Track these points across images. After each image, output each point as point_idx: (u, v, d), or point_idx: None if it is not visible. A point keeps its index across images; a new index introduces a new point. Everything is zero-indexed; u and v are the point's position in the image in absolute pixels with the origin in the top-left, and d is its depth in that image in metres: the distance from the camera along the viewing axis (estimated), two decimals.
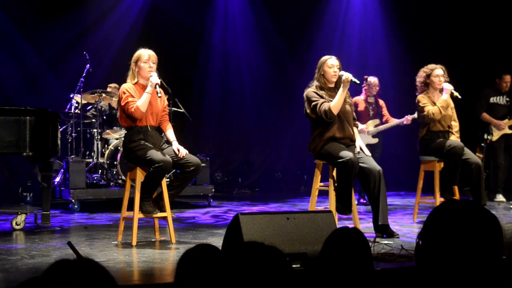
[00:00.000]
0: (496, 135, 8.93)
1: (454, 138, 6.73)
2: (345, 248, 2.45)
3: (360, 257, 2.44)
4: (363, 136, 7.75)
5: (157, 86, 5.44)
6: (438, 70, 6.67)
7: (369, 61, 11.48)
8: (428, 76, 6.71)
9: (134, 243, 5.33)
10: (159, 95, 5.48)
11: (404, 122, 8.20)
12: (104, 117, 8.89)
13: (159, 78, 5.53)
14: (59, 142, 6.55)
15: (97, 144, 8.67)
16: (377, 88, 8.55)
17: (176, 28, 11.43)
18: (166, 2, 11.30)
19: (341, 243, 2.47)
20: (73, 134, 8.76)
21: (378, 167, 5.67)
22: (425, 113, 6.62)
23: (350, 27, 11.91)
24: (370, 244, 2.76)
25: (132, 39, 10.54)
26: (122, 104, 5.47)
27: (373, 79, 8.53)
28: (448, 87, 6.58)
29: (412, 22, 11.37)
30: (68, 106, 8.92)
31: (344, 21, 11.87)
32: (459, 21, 10.92)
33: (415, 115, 7.68)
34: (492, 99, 9.02)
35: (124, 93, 5.47)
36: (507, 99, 9.00)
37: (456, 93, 6.60)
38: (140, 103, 5.39)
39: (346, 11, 11.90)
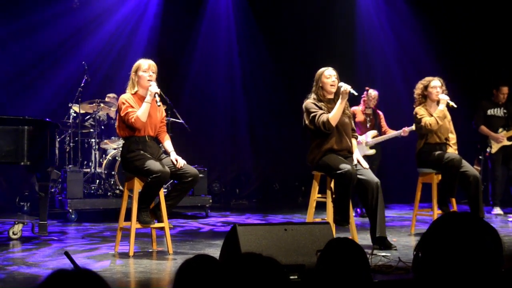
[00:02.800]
0: (495, 147, 8.93)
1: (452, 151, 6.73)
2: (342, 259, 2.44)
3: (358, 268, 2.43)
4: (360, 147, 7.76)
5: (156, 95, 5.43)
6: (435, 82, 6.69)
7: (375, 71, 11.52)
8: (426, 87, 6.72)
9: (131, 253, 5.32)
10: (158, 104, 5.46)
11: (402, 134, 8.22)
12: (102, 127, 8.89)
13: (158, 88, 5.52)
14: (57, 151, 6.54)
15: (95, 154, 8.67)
16: (376, 101, 8.60)
17: (175, 38, 11.46)
18: (166, 12, 11.33)
19: (337, 254, 2.46)
20: (71, 144, 8.76)
21: (376, 179, 5.67)
22: (422, 124, 6.62)
23: (354, 34, 11.95)
24: (368, 256, 2.75)
25: (131, 50, 10.57)
26: (122, 114, 5.46)
27: (373, 92, 8.61)
28: (444, 97, 6.59)
29: (413, 31, 11.44)
30: (66, 115, 8.92)
31: (347, 27, 11.91)
32: (459, 32, 10.96)
33: (413, 127, 7.69)
34: (490, 111, 9.02)
35: (124, 103, 5.45)
36: (505, 111, 9.00)
37: (452, 103, 6.60)
38: (140, 113, 5.39)
39: (351, 17, 11.93)
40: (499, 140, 8.91)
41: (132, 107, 5.44)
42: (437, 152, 6.64)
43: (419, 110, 6.71)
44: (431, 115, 6.63)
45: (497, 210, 8.81)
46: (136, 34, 11.20)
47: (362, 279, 2.42)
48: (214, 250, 5.56)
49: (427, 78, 6.76)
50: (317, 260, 2.55)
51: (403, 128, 8.16)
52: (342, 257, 2.45)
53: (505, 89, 8.98)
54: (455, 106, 6.61)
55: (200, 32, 11.73)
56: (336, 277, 2.41)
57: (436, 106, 6.69)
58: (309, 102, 5.78)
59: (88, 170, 8.73)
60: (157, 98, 5.41)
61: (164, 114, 5.88)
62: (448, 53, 11.08)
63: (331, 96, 5.82)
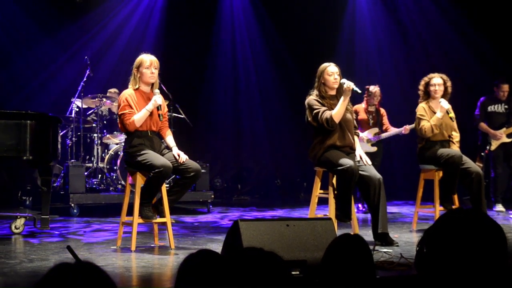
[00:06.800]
0: (494, 144, 8.91)
1: (455, 148, 6.71)
2: (348, 255, 2.44)
3: (362, 264, 2.43)
4: (362, 144, 7.74)
5: (160, 108, 5.47)
6: (436, 79, 6.64)
7: (376, 68, 11.51)
8: (427, 84, 6.71)
9: (133, 248, 5.32)
10: (160, 117, 5.51)
11: (403, 132, 8.22)
12: (105, 122, 8.90)
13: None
14: (59, 146, 6.55)
15: (97, 148, 8.68)
16: (379, 97, 8.50)
17: (177, 33, 11.45)
18: (170, 9, 11.33)
19: (343, 250, 2.46)
20: (73, 139, 8.77)
21: (378, 175, 5.66)
22: (419, 126, 6.62)
23: (356, 32, 11.96)
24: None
25: (134, 44, 10.56)
26: (119, 113, 5.46)
27: (374, 89, 8.47)
28: (444, 105, 6.50)
29: (412, 30, 11.45)
30: (69, 110, 8.92)
31: (351, 27, 11.92)
32: (459, 29, 10.95)
33: (414, 125, 7.66)
34: (490, 108, 8.98)
35: (123, 101, 5.45)
36: (506, 106, 8.96)
37: (451, 114, 6.54)
38: (137, 118, 5.38)
39: (353, 16, 11.94)
40: (498, 137, 8.88)
41: (130, 107, 5.43)
42: (438, 149, 6.62)
43: (420, 108, 6.69)
44: (434, 113, 6.60)
45: (499, 207, 8.80)
46: (139, 29, 11.19)
47: (365, 275, 2.42)
48: (216, 245, 5.56)
49: (430, 75, 6.72)
50: (323, 255, 2.55)
51: (404, 126, 8.16)
52: (346, 252, 2.45)
53: (505, 87, 8.94)
54: (453, 116, 6.56)
55: (202, 28, 11.74)
56: (340, 272, 2.41)
57: (438, 103, 6.65)
58: (312, 98, 5.78)
59: (91, 165, 8.74)
60: (160, 110, 5.47)
61: (166, 109, 5.88)
62: (448, 49, 11.08)
63: (333, 93, 5.81)
